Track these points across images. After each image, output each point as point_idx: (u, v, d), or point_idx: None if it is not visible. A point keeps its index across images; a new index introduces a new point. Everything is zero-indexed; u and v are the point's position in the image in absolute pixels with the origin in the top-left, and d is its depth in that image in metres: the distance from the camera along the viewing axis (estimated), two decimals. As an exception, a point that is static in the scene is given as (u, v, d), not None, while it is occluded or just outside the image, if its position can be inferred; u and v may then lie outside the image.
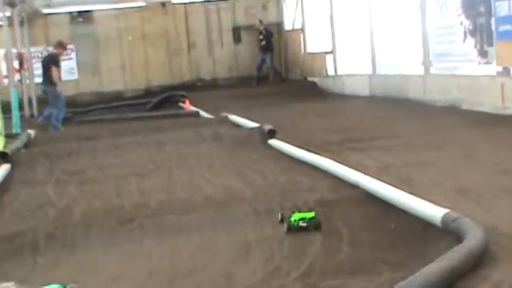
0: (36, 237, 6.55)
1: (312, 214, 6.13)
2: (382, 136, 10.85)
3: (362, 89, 18.57)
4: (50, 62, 15.97)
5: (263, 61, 23.83)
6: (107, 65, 23.28)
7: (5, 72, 19.99)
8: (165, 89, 22.26)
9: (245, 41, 24.65)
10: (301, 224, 6.02)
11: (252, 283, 4.70)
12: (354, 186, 7.31)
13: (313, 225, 6.00)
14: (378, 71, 18.30)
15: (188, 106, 18.27)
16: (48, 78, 15.95)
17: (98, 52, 23.17)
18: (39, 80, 21.75)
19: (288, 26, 24.72)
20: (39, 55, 22.30)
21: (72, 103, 21.36)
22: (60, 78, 16.11)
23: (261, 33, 23.71)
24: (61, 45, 16.54)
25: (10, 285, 4.41)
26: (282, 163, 9.41)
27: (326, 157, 8.76)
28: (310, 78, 22.57)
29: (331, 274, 4.86)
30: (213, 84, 23.96)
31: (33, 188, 9.00)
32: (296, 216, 6.09)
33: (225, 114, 14.94)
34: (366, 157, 9.09)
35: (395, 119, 13.19)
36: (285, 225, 6.09)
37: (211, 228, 6.38)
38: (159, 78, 23.74)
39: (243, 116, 13.99)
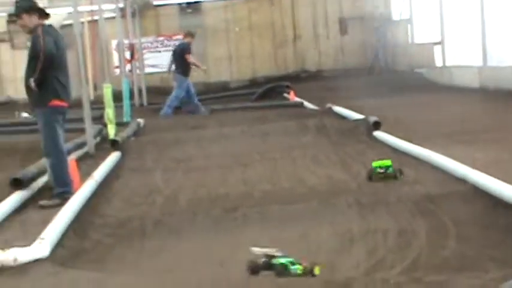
0: (144, 223, 6.75)
1: (388, 162, 7.37)
2: (491, 129, 10.54)
3: (471, 80, 18.08)
4: (184, 52, 16.42)
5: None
6: (213, 56, 23.63)
7: (116, 63, 20.61)
8: (270, 79, 22.38)
9: (352, 33, 24.44)
10: (379, 170, 7.29)
11: (355, 275, 4.67)
12: (461, 181, 7.14)
13: (393, 173, 7.28)
14: (489, 63, 17.75)
15: (293, 97, 18.29)
16: (180, 67, 16.42)
17: (206, 43, 23.52)
18: (151, 69, 22.41)
19: (395, 16, 24.34)
20: (149, 45, 22.90)
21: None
22: (195, 65, 16.58)
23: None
24: (190, 35, 17.05)
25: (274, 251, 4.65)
26: (386, 155, 9.29)
27: (432, 150, 8.60)
28: (417, 70, 22.16)
29: (437, 269, 4.77)
30: (317, 76, 23.90)
31: (142, 176, 9.26)
32: (375, 163, 7.34)
33: (329, 105, 14.88)
34: (474, 150, 8.86)
35: (505, 112, 12.76)
36: (371, 176, 7.34)
37: (315, 218, 6.38)
38: (265, 69, 23.89)
39: (347, 108, 13.90)
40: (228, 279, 4.77)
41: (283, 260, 4.57)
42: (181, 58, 16.56)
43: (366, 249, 5.32)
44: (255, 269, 4.63)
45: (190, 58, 16.46)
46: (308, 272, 4.57)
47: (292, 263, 4.58)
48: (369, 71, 23.57)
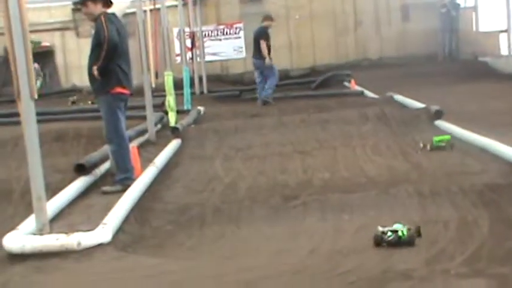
0: (204, 210, 6.81)
1: (448, 137, 8.99)
2: (558, 119, 10.27)
3: (538, 69, 17.63)
4: (259, 36, 16.43)
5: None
6: (274, 44, 23.54)
7: (178, 51, 20.78)
8: (330, 68, 22.23)
9: (414, 19, 24.08)
10: (441, 144, 8.76)
11: (415, 266, 4.62)
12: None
13: (449, 145, 8.73)
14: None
15: (353, 85, 18.15)
16: (258, 52, 16.42)
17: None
18: (211, 57, 22.49)
19: (460, 3, 23.87)
20: (210, 34, 23.01)
21: (239, 81, 21.89)
22: (269, 51, 16.46)
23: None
24: (269, 18, 16.92)
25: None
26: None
27: (496, 140, 8.43)
28: (481, 58, 21.71)
29: (499, 261, 4.68)
30: (379, 64, 23.62)
31: (202, 163, 9.33)
32: (436, 138, 8.89)
33: (390, 94, 14.72)
34: (539, 141, 8.65)
35: None
36: (428, 146, 8.76)
37: (374, 208, 6.34)
38: (325, 57, 23.73)
39: (409, 96, 13.72)
40: (286, 268, 4.78)
41: (398, 229, 5.18)
42: (257, 43, 16.49)
43: (427, 239, 5.26)
44: (378, 241, 5.18)
45: (262, 44, 16.34)
46: (417, 232, 5.26)
47: (403, 231, 5.19)
48: (432, 59, 23.19)
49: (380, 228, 5.23)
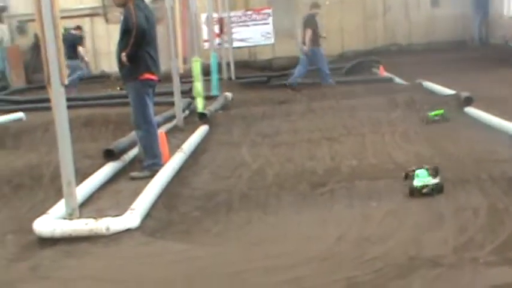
0: (231, 196, 6.83)
1: (441, 111, 10.00)
2: None
3: None
4: (308, 24, 16.56)
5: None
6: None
7: (206, 37, 20.79)
8: (358, 54, 22.11)
9: (444, 4, 23.83)
10: (436, 118, 9.83)
11: (442, 253, 4.59)
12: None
13: (444, 119, 9.79)
14: None
15: (382, 72, 18.04)
16: (305, 40, 16.57)
17: (295, 17, 23.40)
18: (239, 43, 22.44)
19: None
20: (238, 19, 22.98)
21: (267, 67, 21.85)
22: (317, 38, 16.59)
23: None
24: (317, 6, 17.03)
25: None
26: (478, 132, 9.08)
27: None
28: (512, 44, 21.44)
29: (530, 250, 4.63)
30: (407, 50, 23.45)
31: (229, 149, 9.35)
32: (431, 113, 9.95)
33: (419, 80, 14.61)
34: None
35: None
36: (425, 120, 9.99)
37: (402, 195, 6.30)
38: (353, 43, 23.61)
39: (438, 83, 13.61)
40: (313, 255, 4.78)
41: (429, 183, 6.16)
42: (304, 31, 16.69)
43: (455, 227, 5.22)
44: (412, 192, 6.17)
45: (308, 32, 16.47)
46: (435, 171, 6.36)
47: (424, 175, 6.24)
48: (462, 44, 22.95)
49: (416, 183, 6.20)
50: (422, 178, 6.29)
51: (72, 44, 17.30)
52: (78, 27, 19.18)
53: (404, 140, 8.95)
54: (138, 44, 7.46)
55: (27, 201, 7.20)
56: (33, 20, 5.85)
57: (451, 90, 12.29)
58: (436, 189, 6.15)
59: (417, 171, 6.39)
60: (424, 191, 6.14)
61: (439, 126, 9.73)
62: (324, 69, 16.60)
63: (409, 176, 6.57)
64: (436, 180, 6.26)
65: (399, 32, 23.93)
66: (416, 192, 6.15)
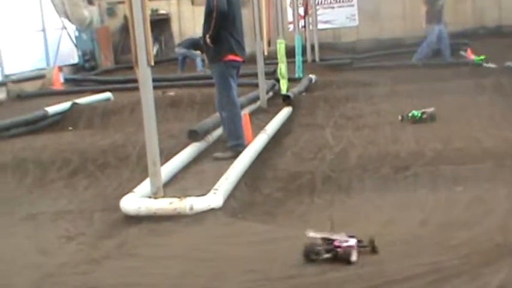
0: (314, 178, 6.82)
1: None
2: None
3: None
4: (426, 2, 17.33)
5: None
6: (387, 12, 23.11)
7: (290, 18, 20.74)
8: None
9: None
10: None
11: (530, 241, 4.48)
12: None
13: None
14: None
15: (470, 55, 17.60)
16: (426, 15, 17.42)
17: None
18: (324, 25, 22.28)
19: None
20: (323, 1, 22.83)
21: (351, 49, 21.64)
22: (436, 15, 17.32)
23: None
24: None
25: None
26: None
27: None
28: None
29: None
30: (497, 32, 22.75)
31: (312, 131, 9.34)
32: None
33: (508, 63, 14.19)
34: None
35: None
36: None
37: (489, 180, 6.17)
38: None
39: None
40: (396, 238, 4.74)
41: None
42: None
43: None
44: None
45: (422, 9, 17.29)
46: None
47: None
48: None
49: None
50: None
51: None
52: None
53: (492, 125, 8.74)
54: (219, 25, 7.50)
55: (114, 180, 7.39)
56: (122, 2, 5.96)
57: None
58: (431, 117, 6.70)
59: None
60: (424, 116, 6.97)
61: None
62: (425, 48, 17.11)
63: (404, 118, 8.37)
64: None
65: (488, 14, 23.21)
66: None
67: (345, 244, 4.27)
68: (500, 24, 23.09)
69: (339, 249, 4.27)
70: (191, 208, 5.69)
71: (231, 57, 7.70)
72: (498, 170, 6.46)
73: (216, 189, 6.00)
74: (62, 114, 11.54)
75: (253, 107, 10.82)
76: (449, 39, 18.04)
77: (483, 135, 8.16)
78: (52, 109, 11.42)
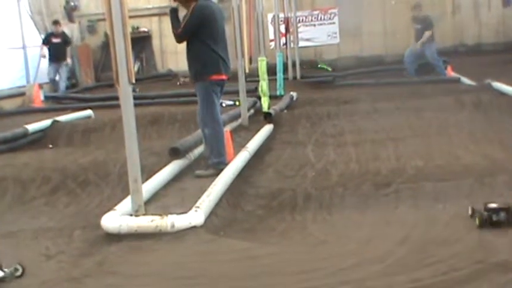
0: (295, 196, 6.83)
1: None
2: None
3: None
4: (428, 27, 18.21)
5: None
6: (368, 30, 23.28)
7: (271, 36, 20.83)
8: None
9: (515, 4, 23.25)
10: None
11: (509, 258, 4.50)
12: None
13: None
14: None
15: (450, 72, 17.75)
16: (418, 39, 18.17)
17: (361, 16, 23.22)
18: (305, 43, 22.34)
19: None
20: (304, 19, 22.94)
21: (332, 67, 21.76)
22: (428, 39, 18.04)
23: None
24: (419, 6, 18.79)
25: None
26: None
27: None
28: None
29: None
30: (476, 50, 22.98)
31: (294, 148, 9.36)
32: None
33: (488, 81, 14.31)
34: None
35: None
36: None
37: (469, 197, 6.20)
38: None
39: (509, 84, 13.31)
40: (376, 256, 4.74)
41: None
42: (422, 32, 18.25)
43: (525, 231, 5.11)
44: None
45: (426, 34, 18.06)
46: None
47: None
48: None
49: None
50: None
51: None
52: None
53: (472, 141, 8.80)
54: (182, 37, 7.59)
55: (94, 197, 7.36)
56: (103, 20, 5.96)
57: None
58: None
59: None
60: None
61: (508, 126, 9.52)
62: (407, 61, 18.37)
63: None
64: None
65: (468, 31, 23.45)
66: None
67: None
68: (480, 42, 23.33)
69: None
70: (172, 226, 5.67)
71: (215, 77, 7.71)
72: (478, 188, 6.50)
73: (198, 207, 5.98)
74: (43, 131, 11.49)
75: (234, 124, 10.83)
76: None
77: (463, 152, 8.22)
78: (32, 127, 11.36)
